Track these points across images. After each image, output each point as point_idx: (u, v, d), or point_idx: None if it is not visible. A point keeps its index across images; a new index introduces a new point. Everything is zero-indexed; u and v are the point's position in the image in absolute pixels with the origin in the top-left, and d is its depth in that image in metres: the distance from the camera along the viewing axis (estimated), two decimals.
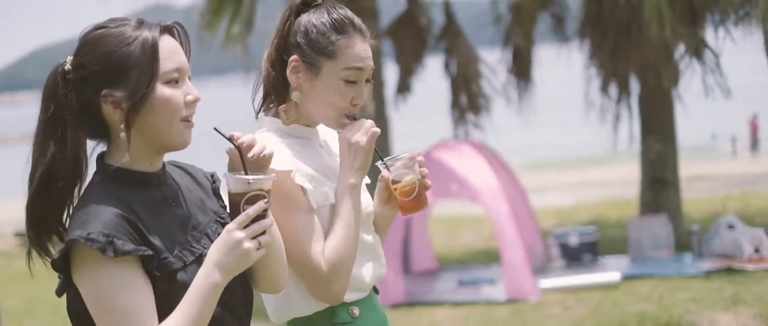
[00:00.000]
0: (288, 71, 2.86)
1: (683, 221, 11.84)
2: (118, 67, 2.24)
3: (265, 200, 2.28)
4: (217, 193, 2.49)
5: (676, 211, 11.86)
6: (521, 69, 12.18)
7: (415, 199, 2.87)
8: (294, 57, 2.85)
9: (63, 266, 2.25)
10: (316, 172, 2.82)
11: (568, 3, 12.35)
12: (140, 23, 2.29)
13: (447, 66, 11.50)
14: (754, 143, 35.35)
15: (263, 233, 2.27)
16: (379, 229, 3.01)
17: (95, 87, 2.25)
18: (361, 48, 2.89)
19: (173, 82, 2.27)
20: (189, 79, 2.33)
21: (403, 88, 11.79)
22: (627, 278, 9.79)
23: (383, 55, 11.29)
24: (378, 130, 2.81)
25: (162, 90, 2.25)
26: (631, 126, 11.77)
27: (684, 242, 11.00)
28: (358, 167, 2.79)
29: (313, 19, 2.89)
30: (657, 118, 11.66)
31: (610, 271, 10.10)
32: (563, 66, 11.94)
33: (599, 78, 11.71)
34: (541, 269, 10.58)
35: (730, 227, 10.47)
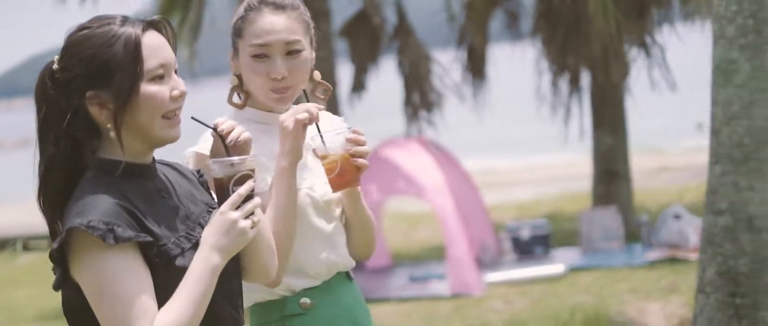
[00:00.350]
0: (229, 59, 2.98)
1: (635, 213, 12.07)
2: (102, 69, 2.27)
3: (253, 179, 2.35)
4: (205, 186, 2.53)
5: (628, 203, 12.09)
6: (476, 67, 12.38)
7: (339, 176, 2.87)
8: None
9: (60, 258, 2.26)
10: (265, 158, 2.85)
11: (522, 0, 12.55)
12: (124, 21, 2.32)
13: (400, 65, 11.70)
14: None
15: (254, 213, 2.31)
16: (349, 212, 3.00)
17: (80, 89, 2.29)
18: (266, 21, 2.91)
19: (158, 78, 2.31)
20: (176, 73, 2.37)
21: (358, 86, 11.98)
22: (575, 270, 10.01)
23: (338, 55, 11.48)
24: (306, 115, 2.79)
25: (146, 88, 2.29)
26: (581, 120, 12.00)
27: (635, 233, 11.23)
28: (287, 150, 2.80)
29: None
30: (608, 111, 11.90)
31: (561, 263, 10.31)
32: (518, 63, 12.15)
33: (550, 73, 11.94)
34: (493, 263, 10.79)
35: (677, 217, 10.69)
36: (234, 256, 2.36)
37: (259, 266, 2.50)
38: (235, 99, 2.98)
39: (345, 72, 11.90)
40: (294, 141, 2.78)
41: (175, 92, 2.32)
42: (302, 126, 2.79)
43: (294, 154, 2.79)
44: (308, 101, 2.99)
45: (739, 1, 6.09)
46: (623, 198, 12.03)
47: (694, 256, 9.78)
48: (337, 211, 3.00)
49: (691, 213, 10.54)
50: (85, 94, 2.29)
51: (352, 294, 3.02)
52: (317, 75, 3.01)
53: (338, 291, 2.96)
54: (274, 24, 2.89)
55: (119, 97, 2.26)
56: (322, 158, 2.88)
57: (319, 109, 2.89)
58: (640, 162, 21.08)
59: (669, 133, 25.86)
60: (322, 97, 3.05)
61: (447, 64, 12.16)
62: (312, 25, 2.99)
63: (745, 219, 6.19)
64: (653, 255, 10.25)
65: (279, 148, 2.81)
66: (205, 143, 2.73)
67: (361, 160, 2.87)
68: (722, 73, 6.22)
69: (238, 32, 2.94)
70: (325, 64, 11.21)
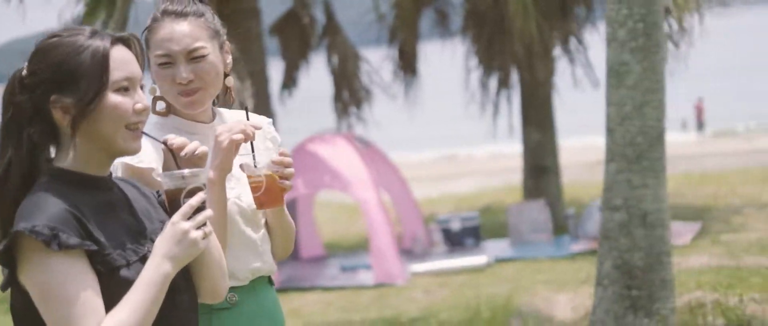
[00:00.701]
0: None
1: (565, 206, 12.33)
2: (68, 75, 2.32)
3: (204, 192, 2.37)
4: (163, 206, 2.53)
5: (557, 196, 12.37)
6: (406, 64, 12.58)
7: (264, 195, 2.92)
8: None
9: (8, 260, 2.28)
10: None
11: None
12: (94, 33, 2.37)
13: (329, 62, 11.87)
14: (699, 125, 36.48)
15: (205, 225, 2.33)
16: (272, 221, 3.08)
17: (46, 93, 2.33)
18: (167, 30, 2.98)
19: (123, 90, 2.35)
20: (142, 88, 2.41)
21: (289, 84, 12.14)
22: (501, 261, 10.25)
23: (269, 53, 11.62)
24: (241, 137, 2.84)
25: (110, 97, 2.33)
26: (510, 117, 12.26)
27: (564, 226, 11.50)
28: (218, 164, 2.84)
29: None
30: (535, 108, 12.16)
31: (485, 255, 10.55)
32: (448, 60, 12.37)
33: (480, 71, 12.18)
34: (423, 254, 11.02)
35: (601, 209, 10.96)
36: (185, 273, 2.41)
37: (210, 285, 2.53)
38: (159, 107, 3.05)
39: (277, 69, 12.05)
40: (226, 157, 2.84)
41: (139, 106, 2.37)
42: (236, 145, 2.86)
43: (224, 168, 2.86)
44: (214, 106, 3.08)
45: (629, 5, 6.32)
46: (552, 192, 12.31)
47: None
48: (263, 220, 3.09)
49: None
50: (50, 97, 2.34)
51: (272, 297, 3.13)
52: (229, 81, 3.07)
53: (260, 293, 3.07)
54: (175, 32, 2.97)
55: (82, 102, 2.31)
56: (249, 176, 2.94)
57: (257, 129, 2.94)
58: (581, 155, 21.46)
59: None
60: (227, 102, 3.11)
61: (378, 62, 12.35)
62: (222, 31, 3.05)
63: (639, 215, 6.43)
64: (578, 247, 10.52)
65: (210, 160, 2.83)
66: (139, 156, 2.73)
67: (286, 182, 2.93)
68: (615, 75, 6.45)
69: (146, 43, 3.03)
70: (257, 62, 11.37)
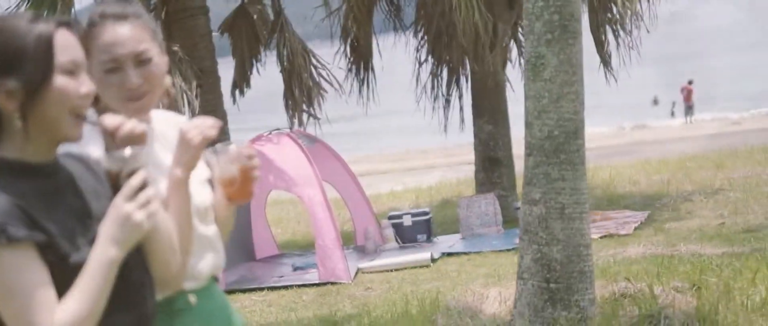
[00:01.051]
0: None
1: (517, 198, 12.36)
2: (12, 58, 2.28)
3: (145, 170, 2.33)
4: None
5: (510, 189, 12.40)
6: (360, 59, 12.59)
7: (237, 190, 2.94)
8: None
9: None
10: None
11: None
12: (35, 17, 2.33)
13: (279, 59, 11.87)
14: (688, 109, 36.55)
15: (149, 204, 2.29)
16: (221, 217, 3.06)
17: None
18: (111, 34, 2.90)
19: (69, 73, 2.32)
20: (86, 73, 2.37)
21: (241, 82, 12.15)
22: (448, 256, 10.31)
23: (220, 51, 11.63)
24: (214, 132, 2.81)
25: (57, 80, 2.30)
26: (461, 109, 12.29)
27: (515, 218, 11.53)
28: (185, 161, 2.80)
29: None
30: (487, 100, 12.19)
31: (439, 250, 10.60)
32: (401, 54, 12.39)
33: (431, 64, 12.21)
34: (376, 251, 11.05)
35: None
36: (137, 250, 2.39)
37: (160, 262, 2.53)
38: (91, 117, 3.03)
39: (228, 68, 12.06)
40: (195, 153, 2.80)
41: (83, 89, 2.34)
42: (206, 141, 2.82)
43: (192, 166, 2.82)
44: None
45: None
46: (505, 184, 12.35)
47: None
48: (213, 217, 3.07)
49: None
50: None
51: (220, 291, 3.14)
52: (168, 81, 3.03)
53: (212, 289, 3.07)
54: (120, 35, 2.89)
55: (29, 85, 2.27)
56: (221, 172, 2.93)
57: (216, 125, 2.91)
58: None
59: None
60: (164, 103, 3.07)
61: (331, 57, 12.37)
62: (158, 31, 3.01)
63: (557, 209, 6.47)
64: None
65: (175, 157, 2.83)
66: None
67: (256, 172, 2.95)
68: (532, 67, 6.49)
69: (86, 51, 2.77)
70: (205, 60, 11.37)
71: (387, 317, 7.38)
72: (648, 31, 12.09)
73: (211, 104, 11.07)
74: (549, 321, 6.48)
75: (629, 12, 11.95)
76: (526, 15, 6.54)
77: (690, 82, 36.99)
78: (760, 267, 7.18)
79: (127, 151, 2.40)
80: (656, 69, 49.19)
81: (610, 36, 12.17)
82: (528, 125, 6.58)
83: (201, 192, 2.96)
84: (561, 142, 6.45)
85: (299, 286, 9.54)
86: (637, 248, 9.15)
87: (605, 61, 12.27)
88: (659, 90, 44.18)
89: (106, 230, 2.32)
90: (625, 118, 36.11)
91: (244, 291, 9.60)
